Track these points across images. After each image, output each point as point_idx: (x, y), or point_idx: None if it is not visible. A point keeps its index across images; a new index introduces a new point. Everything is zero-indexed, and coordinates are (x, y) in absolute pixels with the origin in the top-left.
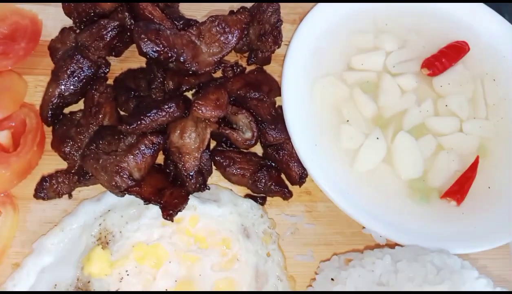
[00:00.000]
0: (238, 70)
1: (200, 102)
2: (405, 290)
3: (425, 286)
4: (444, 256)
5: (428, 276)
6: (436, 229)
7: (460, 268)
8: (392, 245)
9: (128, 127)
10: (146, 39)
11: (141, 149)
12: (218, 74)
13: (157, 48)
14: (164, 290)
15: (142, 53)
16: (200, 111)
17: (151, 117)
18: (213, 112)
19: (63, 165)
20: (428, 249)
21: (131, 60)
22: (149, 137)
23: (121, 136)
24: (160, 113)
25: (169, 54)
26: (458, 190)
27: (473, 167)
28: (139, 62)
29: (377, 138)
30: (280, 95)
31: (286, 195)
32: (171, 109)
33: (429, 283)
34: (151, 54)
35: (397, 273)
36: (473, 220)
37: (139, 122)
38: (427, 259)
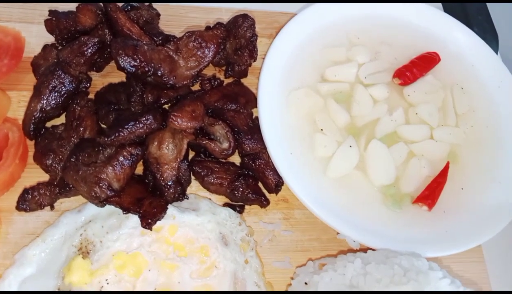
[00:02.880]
0: (216, 83)
1: (176, 114)
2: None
3: (391, 286)
4: (413, 259)
5: (394, 277)
6: (409, 233)
7: (427, 269)
8: (365, 250)
9: (106, 139)
10: (123, 55)
11: (120, 160)
12: (197, 87)
13: (134, 63)
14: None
15: (120, 68)
16: (176, 122)
17: (129, 129)
18: (189, 124)
19: (45, 177)
20: (398, 252)
21: (112, 75)
22: (128, 148)
23: (101, 148)
24: (138, 125)
25: (146, 69)
26: (429, 195)
27: (444, 173)
28: (120, 77)
29: (350, 146)
30: (256, 106)
31: (263, 203)
32: (149, 121)
33: (395, 284)
34: (128, 69)
35: (366, 275)
36: (444, 224)
37: (117, 134)
38: (395, 261)
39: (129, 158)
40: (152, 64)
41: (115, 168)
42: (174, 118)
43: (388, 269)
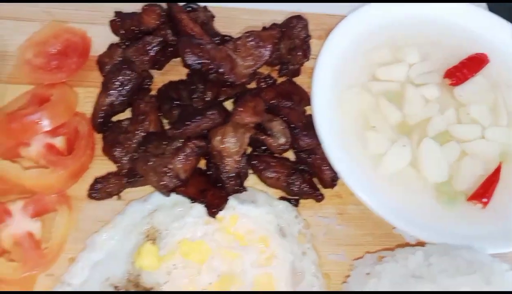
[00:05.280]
0: (271, 81)
1: (240, 109)
2: (439, 282)
3: (457, 277)
4: (474, 252)
5: (459, 268)
6: (465, 230)
7: (490, 262)
8: (422, 244)
9: (176, 131)
10: (190, 53)
11: (187, 151)
12: (250, 86)
13: (200, 61)
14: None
15: (186, 65)
16: (241, 117)
17: (196, 123)
18: (251, 118)
19: (110, 168)
20: (458, 246)
21: (171, 73)
22: (194, 141)
23: (167, 141)
24: (204, 119)
25: (210, 66)
26: (484, 193)
27: (496, 172)
28: (179, 75)
29: (403, 145)
30: (309, 104)
31: (319, 197)
32: (214, 116)
33: (461, 274)
34: (194, 66)
35: (430, 266)
36: (500, 221)
37: (185, 127)
38: (457, 253)
39: (196, 150)
40: (216, 62)
41: (183, 159)
42: (239, 113)
43: (451, 260)
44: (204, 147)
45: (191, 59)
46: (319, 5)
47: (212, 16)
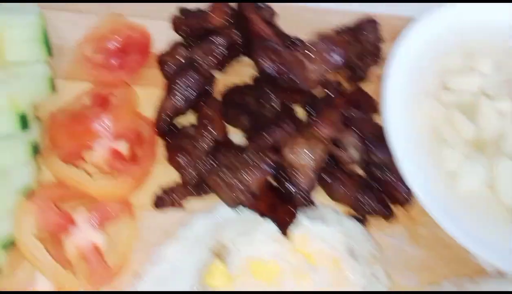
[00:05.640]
0: (341, 89)
1: (320, 122)
2: None
3: None
4: None
5: None
6: None
7: None
8: (502, 274)
9: (253, 143)
10: (264, 56)
11: (261, 165)
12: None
13: (275, 66)
14: None
15: (261, 70)
16: (319, 130)
17: (273, 134)
18: (329, 132)
19: (172, 173)
20: None
21: (231, 74)
22: (268, 154)
23: (236, 151)
24: (280, 130)
25: (284, 72)
26: None
27: None
28: (239, 76)
29: (479, 163)
30: (377, 113)
31: (389, 216)
32: (289, 127)
33: None
34: (269, 71)
35: None
36: None
37: (262, 138)
38: None
39: (270, 164)
40: (289, 67)
41: (257, 173)
42: (318, 126)
43: None
44: (278, 160)
45: (267, 64)
46: (381, 5)
47: (273, 15)
